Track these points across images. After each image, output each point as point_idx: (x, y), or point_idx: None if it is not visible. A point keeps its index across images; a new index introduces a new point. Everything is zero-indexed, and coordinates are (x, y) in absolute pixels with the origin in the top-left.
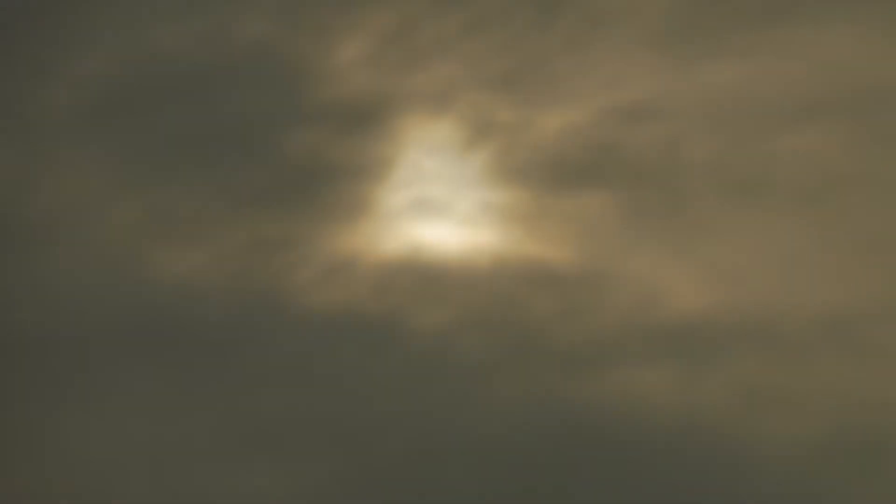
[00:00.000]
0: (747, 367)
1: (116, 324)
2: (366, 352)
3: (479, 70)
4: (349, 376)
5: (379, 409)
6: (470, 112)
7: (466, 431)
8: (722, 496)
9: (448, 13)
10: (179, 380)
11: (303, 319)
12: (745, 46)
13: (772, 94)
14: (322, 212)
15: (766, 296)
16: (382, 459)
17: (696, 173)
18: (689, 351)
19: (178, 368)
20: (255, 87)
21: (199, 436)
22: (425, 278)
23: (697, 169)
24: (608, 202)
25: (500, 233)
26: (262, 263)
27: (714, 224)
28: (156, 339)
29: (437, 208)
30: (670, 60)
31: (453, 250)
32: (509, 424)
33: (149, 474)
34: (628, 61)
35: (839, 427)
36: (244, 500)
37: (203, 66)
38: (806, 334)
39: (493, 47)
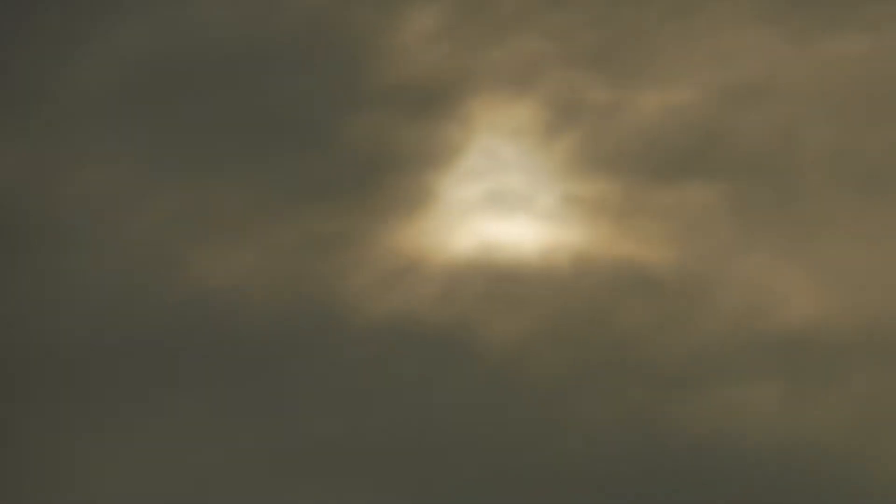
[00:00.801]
0: (868, 385)
1: (150, 336)
2: (432, 366)
3: (567, 45)
4: (413, 394)
5: (446, 432)
6: (555, 92)
7: (545, 457)
8: None
9: None
10: (222, 399)
11: (361, 329)
12: (872, 17)
13: None
14: (383, 206)
15: (891, 303)
16: (451, 487)
17: (815, 163)
18: (802, 366)
19: (220, 386)
20: (308, 66)
21: (244, 462)
22: (499, 282)
23: (816, 158)
24: (713, 196)
25: (586, 230)
26: (316, 266)
27: (834, 221)
28: (195, 354)
29: (515, 202)
30: (786, 33)
31: (532, 250)
32: (594, 450)
33: None
34: (738, 34)
35: None
36: None
37: (250, 42)
38: None
39: (582, 19)
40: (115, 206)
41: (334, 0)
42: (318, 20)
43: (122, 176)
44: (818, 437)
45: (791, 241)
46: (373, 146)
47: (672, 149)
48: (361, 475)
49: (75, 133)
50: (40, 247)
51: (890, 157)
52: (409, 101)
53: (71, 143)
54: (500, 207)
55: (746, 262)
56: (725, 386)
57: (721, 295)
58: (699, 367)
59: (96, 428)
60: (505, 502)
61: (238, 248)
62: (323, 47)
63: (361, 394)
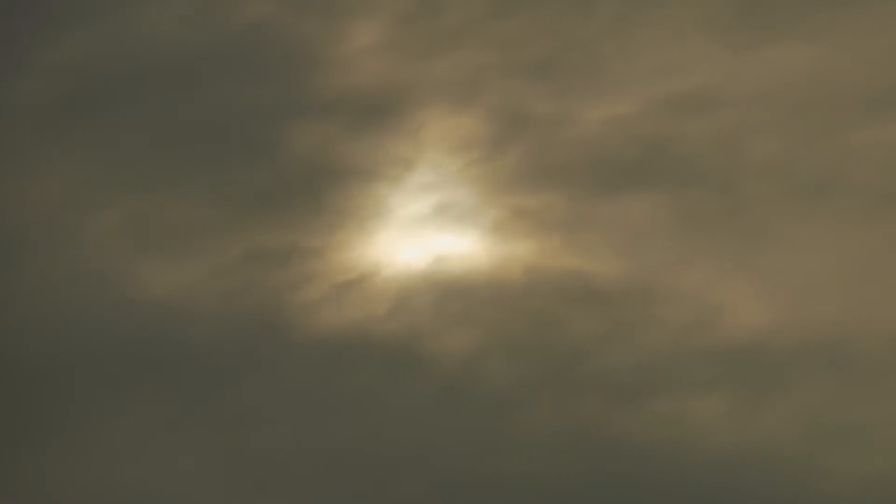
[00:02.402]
0: (815, 395)
1: (96, 349)
2: (382, 379)
3: (511, 56)
4: (363, 406)
5: (397, 444)
6: (500, 104)
7: (495, 468)
8: None
9: None
10: (169, 413)
11: (310, 343)
12: (816, 27)
13: (847, 82)
14: (331, 220)
15: (837, 314)
16: (401, 500)
17: (760, 173)
18: (749, 376)
19: (167, 400)
20: (253, 76)
21: (193, 475)
22: (449, 295)
23: (761, 168)
24: (659, 207)
25: (534, 243)
26: (264, 278)
27: (778, 231)
28: (141, 367)
29: (463, 215)
30: (729, 44)
31: (481, 263)
32: (544, 461)
33: None
34: (681, 45)
35: None
36: None
37: (193, 52)
38: (882, 358)
39: (528, 30)
40: (60, 219)
41: (279, 10)
42: (263, 30)
43: (67, 189)
44: (766, 447)
45: (736, 252)
46: (319, 158)
47: (617, 160)
48: (311, 487)
49: (18, 147)
50: None
51: (834, 167)
52: (356, 113)
53: (14, 157)
54: (450, 221)
55: (692, 273)
56: (673, 396)
57: (667, 306)
58: (647, 378)
59: (41, 441)
60: None
61: (184, 261)
62: (268, 58)
63: (311, 407)
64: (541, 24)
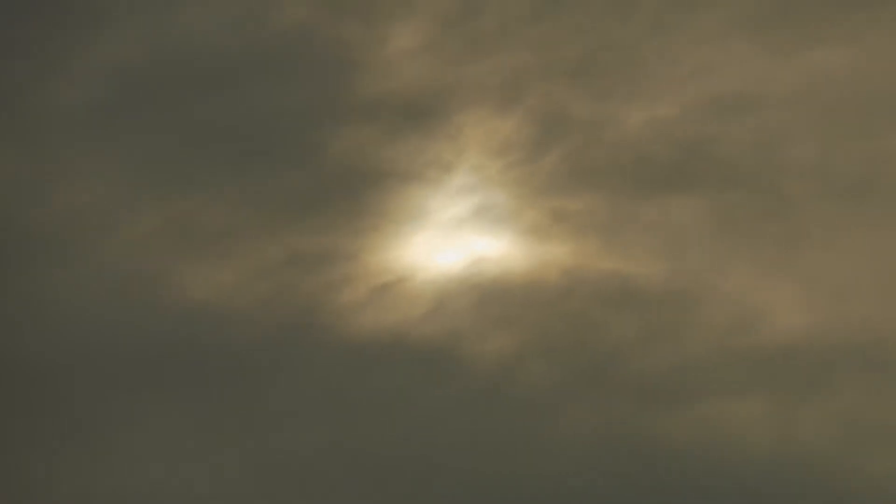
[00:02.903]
0: (854, 398)
1: (132, 352)
2: (418, 382)
3: (552, 58)
4: (399, 410)
5: (434, 447)
6: (541, 107)
7: (532, 472)
8: None
9: None
10: (206, 415)
11: (346, 346)
12: (853, 29)
13: (882, 84)
14: (369, 222)
15: (875, 316)
16: (437, 501)
17: (798, 175)
18: (789, 379)
19: (203, 402)
20: (293, 79)
21: (228, 478)
22: (487, 298)
23: (799, 170)
24: (698, 209)
25: (573, 245)
26: (300, 282)
27: (818, 234)
28: (178, 370)
29: (502, 217)
30: (768, 46)
31: (520, 265)
32: (581, 464)
33: None
34: (720, 47)
35: None
36: None
37: (234, 55)
38: None
39: (567, 32)
40: (100, 221)
41: (319, 14)
42: (303, 34)
43: (107, 191)
44: (804, 450)
45: (776, 255)
46: (359, 161)
47: (657, 163)
48: (348, 489)
49: (60, 149)
50: (25, 262)
51: (874, 169)
52: (395, 116)
53: (55, 159)
54: (489, 223)
55: (732, 276)
56: (712, 399)
57: (707, 308)
58: (686, 381)
59: (81, 441)
60: None
61: (223, 264)
62: (308, 60)
63: (348, 409)
64: (579, 27)
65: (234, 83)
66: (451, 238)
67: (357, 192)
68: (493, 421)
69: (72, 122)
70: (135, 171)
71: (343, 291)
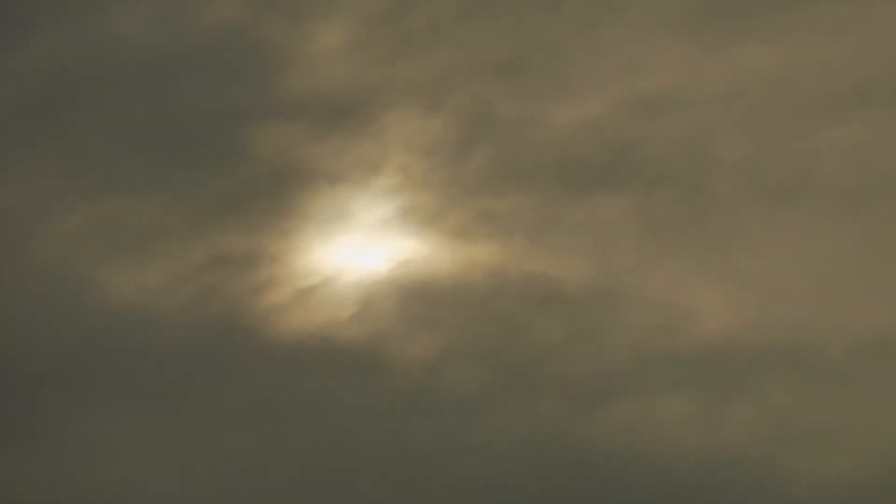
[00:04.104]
0: (781, 398)
1: (59, 354)
2: (344, 384)
3: (479, 58)
4: (325, 412)
5: (360, 448)
6: (467, 107)
7: (458, 473)
8: None
9: None
10: (131, 418)
11: (271, 348)
12: (780, 27)
13: (811, 82)
14: (294, 223)
15: (803, 316)
16: None
17: (727, 175)
18: (716, 380)
19: (129, 405)
20: (219, 79)
21: (155, 480)
22: (413, 299)
23: (728, 170)
24: (625, 209)
25: (499, 246)
26: (226, 284)
27: (745, 233)
28: (103, 372)
29: (428, 218)
30: (697, 44)
31: (445, 267)
32: (508, 465)
33: None
34: (647, 45)
35: (885, 467)
36: None
37: (160, 55)
38: (849, 360)
39: (495, 32)
40: (25, 222)
41: (245, 12)
42: (228, 33)
43: (32, 193)
44: (731, 451)
45: (704, 255)
46: (284, 161)
47: (584, 162)
48: (274, 491)
49: None
50: None
51: (801, 168)
52: (321, 116)
53: None
54: (414, 224)
55: (658, 276)
56: (638, 400)
57: (634, 309)
58: (612, 382)
59: (6, 442)
60: None
61: (148, 265)
62: (233, 60)
63: (274, 411)
64: (507, 26)
65: (160, 83)
66: (377, 239)
67: (282, 192)
68: (419, 423)
69: None
70: (60, 172)
71: (268, 293)
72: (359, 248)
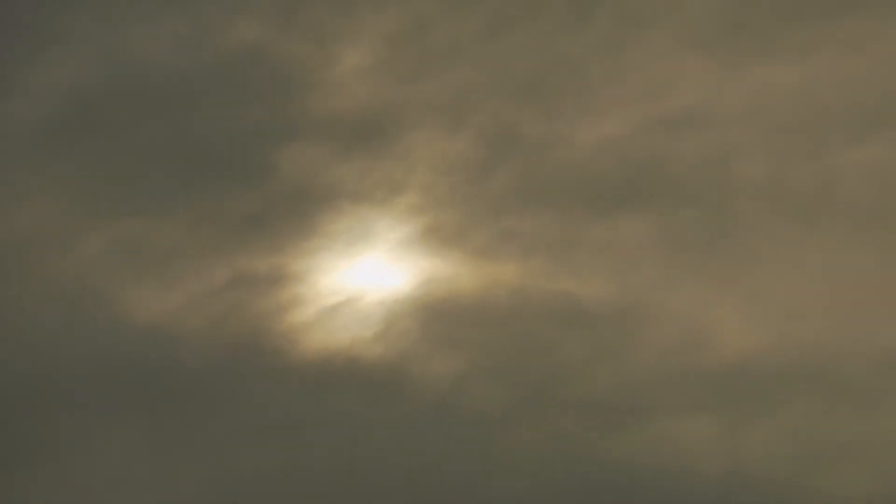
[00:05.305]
0: (802, 417)
1: (81, 375)
2: (367, 403)
3: (502, 77)
4: (348, 431)
5: (383, 466)
6: (490, 126)
7: (481, 492)
8: None
9: (465, 13)
10: (156, 436)
11: (295, 367)
12: (801, 44)
13: (833, 100)
14: (318, 243)
15: (824, 335)
16: None
17: (749, 193)
18: (738, 399)
19: (154, 424)
20: (243, 99)
21: (181, 500)
22: (436, 318)
23: (750, 188)
24: (648, 228)
25: (521, 265)
26: (249, 303)
27: (769, 252)
28: (129, 391)
29: (450, 237)
30: (718, 63)
31: (468, 286)
32: (529, 484)
33: None
34: (670, 65)
35: None
36: None
37: (184, 75)
38: (869, 379)
39: (517, 51)
40: (48, 242)
41: (269, 33)
42: (253, 53)
43: (55, 212)
44: (753, 469)
45: (726, 274)
46: (308, 181)
47: (607, 181)
48: None
49: (8, 169)
50: None
51: (824, 187)
52: (345, 136)
53: (3, 179)
54: (438, 243)
55: (680, 295)
56: (660, 419)
57: (655, 328)
58: (634, 401)
59: (28, 466)
60: None
61: (171, 285)
62: (257, 81)
63: (297, 430)
64: (530, 46)
65: (185, 103)
66: (400, 259)
67: (306, 212)
68: (441, 441)
69: (20, 143)
70: (83, 191)
71: (292, 312)
72: (382, 268)
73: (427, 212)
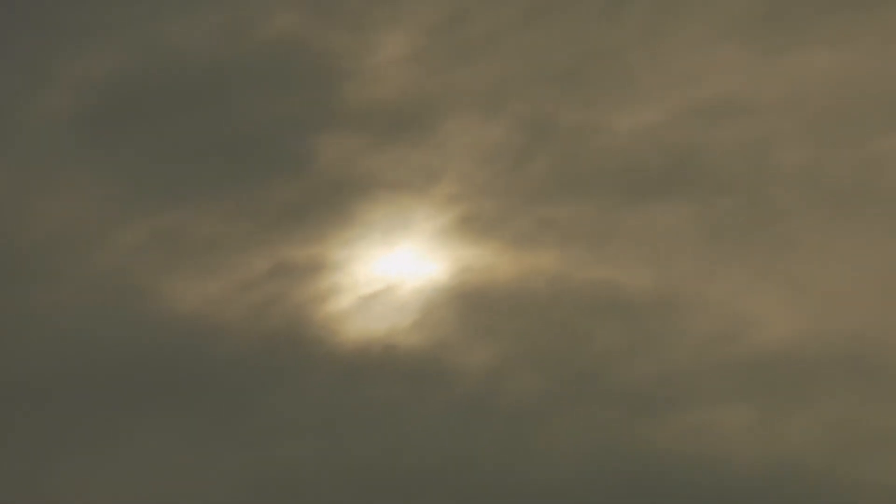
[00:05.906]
0: (843, 405)
1: (121, 364)
2: (406, 392)
3: (539, 66)
4: (387, 420)
5: (422, 455)
6: (527, 114)
7: (520, 481)
8: None
9: (502, 2)
10: (194, 428)
11: (335, 355)
12: (841, 32)
13: (871, 87)
14: (356, 232)
15: (864, 323)
16: None
17: (787, 181)
18: (777, 387)
19: (192, 415)
20: (280, 89)
21: (216, 491)
22: (474, 307)
23: (788, 176)
24: (686, 216)
25: (559, 253)
26: (288, 293)
27: (808, 240)
28: (167, 382)
29: (488, 226)
30: (756, 51)
31: (506, 274)
32: (568, 473)
33: None
34: (709, 53)
35: None
36: None
37: (221, 66)
38: None
39: (554, 39)
40: (87, 234)
41: (307, 23)
42: (290, 43)
43: (94, 204)
44: (792, 458)
45: (765, 262)
46: (346, 171)
47: (644, 170)
48: (336, 500)
49: (46, 161)
50: (11, 276)
51: (864, 175)
52: (383, 125)
53: (42, 171)
54: (475, 232)
55: (720, 284)
56: (700, 408)
57: (695, 317)
58: (673, 390)
59: (68, 455)
60: None
61: (211, 275)
62: (296, 70)
63: (336, 418)
64: (567, 34)
65: (222, 94)
66: (438, 247)
67: (344, 201)
68: (479, 430)
69: (58, 135)
70: (122, 183)
71: (330, 302)
72: (419, 257)
73: (464, 200)
